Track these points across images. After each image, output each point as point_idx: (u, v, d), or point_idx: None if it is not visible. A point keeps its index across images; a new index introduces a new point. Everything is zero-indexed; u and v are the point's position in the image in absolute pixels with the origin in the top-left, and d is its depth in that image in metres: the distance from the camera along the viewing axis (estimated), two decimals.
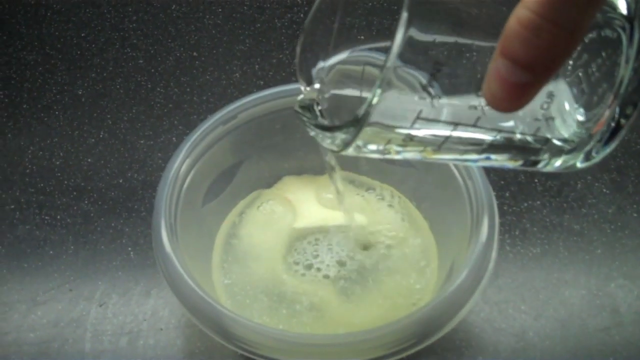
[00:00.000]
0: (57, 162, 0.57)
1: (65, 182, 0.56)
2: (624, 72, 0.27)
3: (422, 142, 0.30)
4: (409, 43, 0.25)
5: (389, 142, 0.30)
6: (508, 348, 0.44)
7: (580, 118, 0.29)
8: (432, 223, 0.48)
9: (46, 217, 0.53)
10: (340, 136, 0.30)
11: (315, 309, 0.43)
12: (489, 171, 0.53)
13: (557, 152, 0.30)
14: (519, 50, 0.23)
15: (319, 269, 0.45)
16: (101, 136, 0.59)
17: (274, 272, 0.45)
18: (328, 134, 0.31)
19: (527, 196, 0.53)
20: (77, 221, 0.53)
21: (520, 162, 0.31)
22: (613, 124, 0.28)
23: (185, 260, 0.39)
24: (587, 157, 0.29)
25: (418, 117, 0.28)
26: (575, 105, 0.29)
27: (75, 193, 0.55)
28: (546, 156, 0.30)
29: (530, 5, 0.22)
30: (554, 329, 0.45)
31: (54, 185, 0.56)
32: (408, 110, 0.28)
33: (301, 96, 0.37)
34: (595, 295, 0.47)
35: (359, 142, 0.29)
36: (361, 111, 0.27)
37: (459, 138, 0.29)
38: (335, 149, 0.31)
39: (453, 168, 0.43)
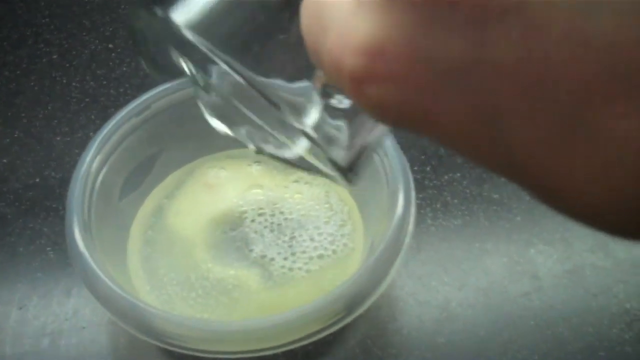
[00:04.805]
0: None
1: None
2: None
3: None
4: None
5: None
6: (432, 319, 0.44)
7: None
8: (357, 202, 0.48)
9: None
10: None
11: (239, 297, 0.43)
12: (409, 146, 0.54)
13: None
14: None
15: (241, 253, 0.45)
16: (16, 135, 0.58)
17: (196, 260, 0.45)
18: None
19: (447, 169, 0.53)
20: None
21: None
22: None
23: (102, 257, 0.39)
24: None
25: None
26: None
27: None
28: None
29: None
30: (476, 298, 0.46)
31: None
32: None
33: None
34: (516, 262, 0.48)
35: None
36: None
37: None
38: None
39: None
